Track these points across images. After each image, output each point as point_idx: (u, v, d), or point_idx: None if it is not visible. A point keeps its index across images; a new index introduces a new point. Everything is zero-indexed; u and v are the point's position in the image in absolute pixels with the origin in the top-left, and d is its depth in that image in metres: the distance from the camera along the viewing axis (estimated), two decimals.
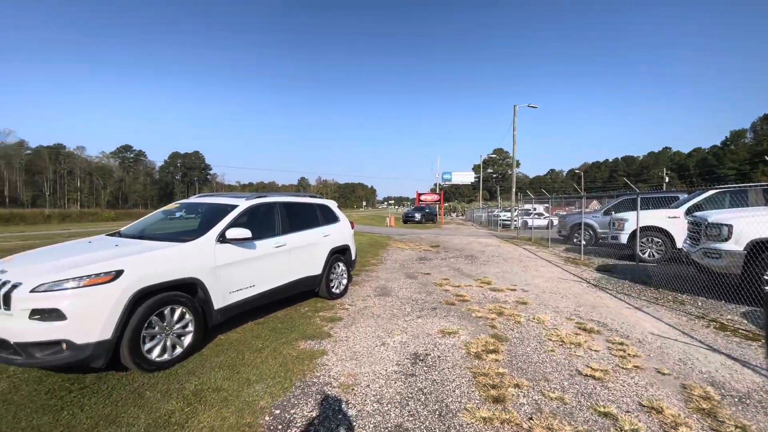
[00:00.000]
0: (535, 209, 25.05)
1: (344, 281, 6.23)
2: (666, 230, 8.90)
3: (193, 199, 5.22)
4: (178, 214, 5.04)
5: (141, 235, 4.31)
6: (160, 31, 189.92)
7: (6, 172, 71.93)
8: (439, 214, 36.81)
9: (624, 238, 9.73)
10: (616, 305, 5.75)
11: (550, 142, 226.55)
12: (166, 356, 3.49)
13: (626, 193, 10.33)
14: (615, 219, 10.12)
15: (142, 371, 3.32)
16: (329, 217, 6.13)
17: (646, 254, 9.09)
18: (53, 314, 2.92)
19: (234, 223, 4.33)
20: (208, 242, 4.00)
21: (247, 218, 4.60)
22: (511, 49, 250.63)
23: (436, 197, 39.96)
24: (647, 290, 6.65)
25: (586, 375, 3.39)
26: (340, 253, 6.11)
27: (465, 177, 67.39)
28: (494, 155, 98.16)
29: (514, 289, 6.77)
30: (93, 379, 3.25)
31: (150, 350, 3.39)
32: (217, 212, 4.54)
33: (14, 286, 2.95)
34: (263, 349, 3.92)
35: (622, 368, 3.54)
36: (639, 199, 7.77)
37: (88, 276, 3.07)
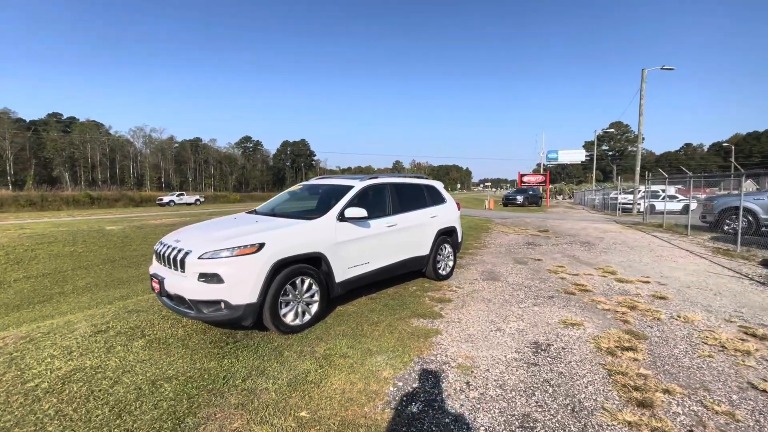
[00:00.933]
0: (664, 191, 21.45)
1: (450, 263, 6.16)
2: None
3: (313, 181, 5.62)
4: (301, 195, 5.48)
5: (274, 213, 4.81)
6: (261, 31, 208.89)
7: (162, 162, 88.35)
8: (544, 197, 34.03)
9: None
10: None
11: (685, 111, 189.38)
12: (297, 321, 3.88)
13: None
14: None
15: (279, 332, 3.75)
16: (436, 198, 6.08)
17: None
18: (214, 278, 3.45)
19: (351, 203, 4.55)
20: (331, 220, 4.29)
21: (362, 198, 4.78)
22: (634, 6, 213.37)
23: (540, 178, 36.94)
24: None
25: (765, 390, 2.77)
26: (446, 235, 6.04)
27: (574, 155, 60.50)
28: (611, 129, 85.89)
29: (647, 282, 5.89)
30: (242, 336, 3.78)
31: (285, 315, 3.80)
32: (336, 192, 4.81)
33: (187, 253, 3.56)
34: (379, 323, 4.10)
35: None
36: None
37: (239, 247, 3.54)
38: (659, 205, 19.72)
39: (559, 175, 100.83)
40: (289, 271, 3.75)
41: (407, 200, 5.46)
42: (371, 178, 5.10)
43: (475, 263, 7.38)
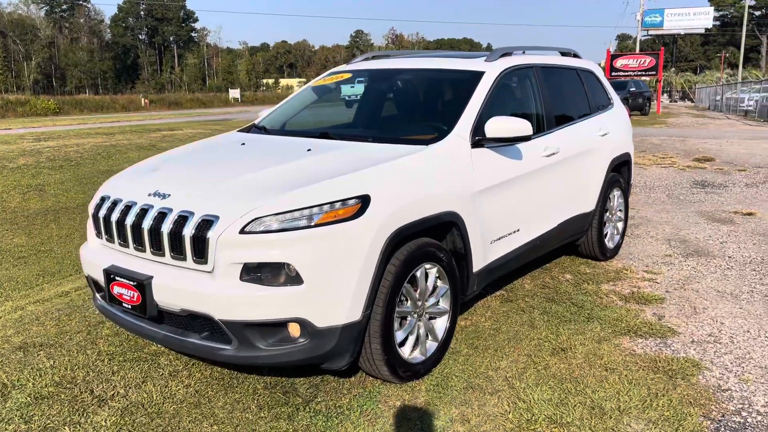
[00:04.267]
0: None
1: (620, 226, 6.23)
2: None
3: (372, 64, 5.33)
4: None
5: (321, 132, 4.46)
6: None
7: None
8: (655, 98, 34.77)
9: None
10: None
11: None
12: (417, 354, 3.58)
13: None
14: None
15: (395, 380, 3.44)
16: (599, 96, 5.96)
17: None
18: (279, 274, 3.02)
19: (491, 108, 4.22)
20: (460, 144, 3.94)
21: (501, 98, 4.53)
22: None
23: (646, 60, 37.15)
24: None
25: None
26: (617, 171, 6.02)
27: (691, 20, 61.50)
28: None
29: None
30: (308, 388, 3.46)
31: (403, 343, 3.49)
32: (444, 87, 4.68)
33: (207, 222, 3.07)
34: (570, 350, 3.95)
35: None
36: None
37: (322, 205, 3.09)
38: None
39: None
40: (410, 252, 3.41)
41: (562, 101, 5.38)
42: (504, 54, 4.75)
43: (636, 223, 7.62)
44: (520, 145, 4.34)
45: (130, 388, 3.47)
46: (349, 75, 5.18)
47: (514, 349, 3.99)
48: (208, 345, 3.17)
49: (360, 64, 5.28)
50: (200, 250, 3.07)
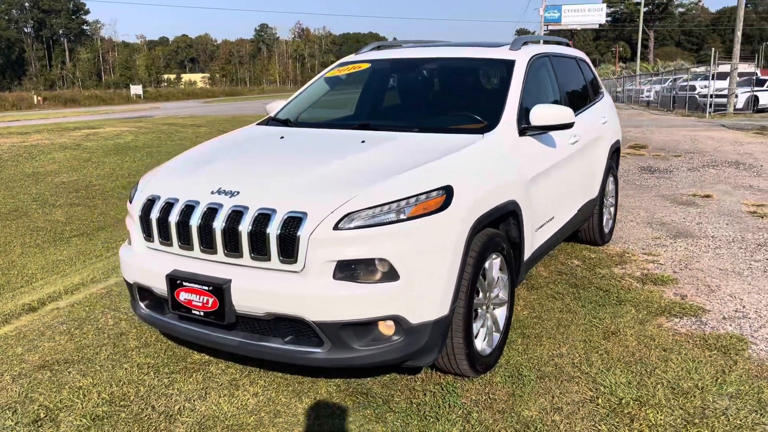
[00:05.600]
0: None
1: (612, 210, 6.34)
2: None
3: (392, 53, 5.21)
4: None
5: (360, 123, 4.35)
6: None
7: None
8: None
9: None
10: None
11: None
12: (485, 346, 3.53)
13: None
14: None
15: (472, 373, 3.37)
16: (595, 85, 6.13)
17: None
18: (375, 270, 2.88)
19: (532, 96, 4.26)
20: (510, 132, 3.92)
21: (528, 87, 4.50)
22: None
23: None
24: None
25: None
26: (612, 158, 6.14)
27: (587, 15, 64.46)
28: None
29: None
30: (381, 388, 3.32)
31: (477, 336, 3.43)
32: (478, 75, 4.71)
33: (295, 219, 2.87)
34: (620, 333, 4.00)
35: None
36: None
37: (408, 199, 2.97)
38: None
39: None
40: (483, 243, 3.34)
41: (572, 89, 5.48)
42: (525, 43, 4.76)
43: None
44: (553, 133, 4.37)
45: (194, 400, 3.21)
46: (367, 65, 5.01)
47: (565, 335, 4.01)
48: (294, 349, 2.99)
49: (376, 53, 5.11)
50: (288, 250, 2.88)
